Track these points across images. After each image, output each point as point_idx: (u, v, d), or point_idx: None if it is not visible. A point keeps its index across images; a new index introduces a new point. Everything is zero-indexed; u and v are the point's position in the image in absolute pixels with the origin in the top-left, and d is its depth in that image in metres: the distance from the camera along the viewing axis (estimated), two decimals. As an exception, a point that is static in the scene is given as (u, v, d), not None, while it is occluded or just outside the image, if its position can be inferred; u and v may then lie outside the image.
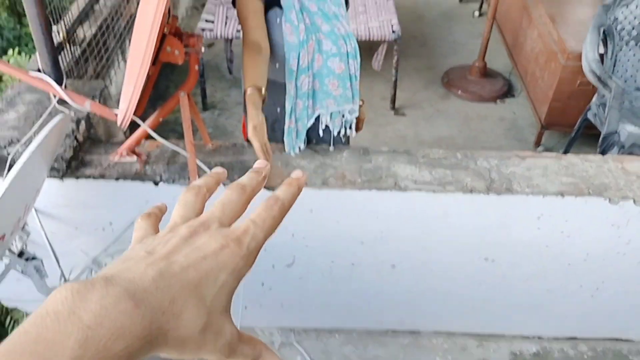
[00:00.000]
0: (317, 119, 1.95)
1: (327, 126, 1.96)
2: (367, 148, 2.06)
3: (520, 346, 2.45)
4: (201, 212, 0.45)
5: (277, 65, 1.88)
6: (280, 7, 1.82)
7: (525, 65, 3.87)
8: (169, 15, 1.76)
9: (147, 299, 0.35)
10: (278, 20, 1.83)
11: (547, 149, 3.53)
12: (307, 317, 2.37)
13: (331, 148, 2.02)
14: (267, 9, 1.84)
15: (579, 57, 2.98)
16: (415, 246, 2.07)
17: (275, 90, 1.90)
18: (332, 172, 1.94)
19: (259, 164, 0.49)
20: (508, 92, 4.09)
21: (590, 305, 2.26)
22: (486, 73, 4.13)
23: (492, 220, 1.98)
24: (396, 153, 2.04)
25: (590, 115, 3.02)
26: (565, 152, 3.18)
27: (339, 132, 2.01)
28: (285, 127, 1.93)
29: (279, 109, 1.96)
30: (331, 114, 1.94)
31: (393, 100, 3.88)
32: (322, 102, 1.91)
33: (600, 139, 2.81)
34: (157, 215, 0.48)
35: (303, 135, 1.97)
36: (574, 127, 3.16)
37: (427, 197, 1.90)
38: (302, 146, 1.99)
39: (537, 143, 3.54)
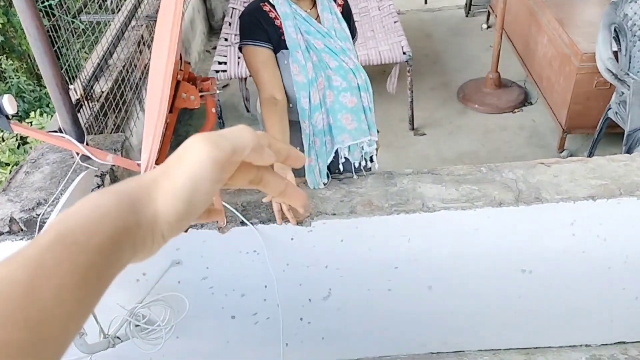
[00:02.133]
0: (337, 153, 1.95)
1: (347, 159, 1.96)
2: (391, 172, 2.05)
3: (569, 356, 2.37)
4: None
5: (291, 105, 1.89)
6: (286, 48, 1.83)
7: (539, 72, 3.84)
8: (181, 62, 1.79)
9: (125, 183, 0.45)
10: (286, 62, 1.84)
11: (572, 153, 3.48)
12: (350, 348, 2.33)
13: (354, 176, 2.01)
14: (274, 53, 1.85)
15: (592, 57, 2.95)
16: (449, 265, 2.03)
17: (292, 129, 1.90)
18: (358, 200, 1.93)
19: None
20: (525, 100, 4.07)
21: (636, 307, 2.19)
22: (501, 84, 4.12)
23: (525, 231, 1.95)
24: (420, 174, 2.03)
25: (611, 115, 2.98)
26: (590, 154, 3.13)
27: (359, 165, 2.00)
28: (306, 164, 1.92)
29: (298, 147, 1.96)
30: (349, 147, 1.93)
31: (411, 121, 3.88)
32: (337, 138, 1.91)
33: (625, 137, 2.77)
34: None
35: (325, 171, 1.97)
36: (596, 129, 3.12)
37: (456, 215, 1.87)
38: (326, 181, 1.99)
39: (561, 148, 3.50)
